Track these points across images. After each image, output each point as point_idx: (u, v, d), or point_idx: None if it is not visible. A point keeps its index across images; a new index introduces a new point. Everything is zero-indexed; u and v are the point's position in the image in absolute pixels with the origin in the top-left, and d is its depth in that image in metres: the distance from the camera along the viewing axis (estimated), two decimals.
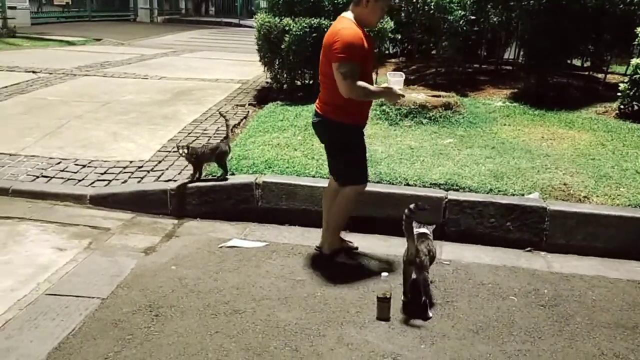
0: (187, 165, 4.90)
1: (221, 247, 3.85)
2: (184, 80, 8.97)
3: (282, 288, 3.32)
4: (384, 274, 3.00)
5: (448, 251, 3.92)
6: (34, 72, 9.08)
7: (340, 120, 3.39)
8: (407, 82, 7.72)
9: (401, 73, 3.48)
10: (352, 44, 3.16)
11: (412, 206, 3.06)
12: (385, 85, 3.50)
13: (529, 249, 4.00)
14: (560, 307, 3.22)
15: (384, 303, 2.99)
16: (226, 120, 4.86)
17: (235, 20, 25.05)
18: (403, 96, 3.43)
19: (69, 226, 4.11)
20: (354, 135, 3.47)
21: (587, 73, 8.26)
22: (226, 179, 4.50)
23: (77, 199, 4.52)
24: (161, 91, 7.98)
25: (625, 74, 8.63)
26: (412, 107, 6.10)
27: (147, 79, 9.02)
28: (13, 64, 9.60)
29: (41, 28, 17.95)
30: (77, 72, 9.36)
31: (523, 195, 4.24)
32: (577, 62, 8.73)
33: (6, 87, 7.82)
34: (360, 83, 3.22)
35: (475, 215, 4.07)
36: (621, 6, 7.10)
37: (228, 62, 11.53)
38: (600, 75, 8.24)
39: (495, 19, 8.14)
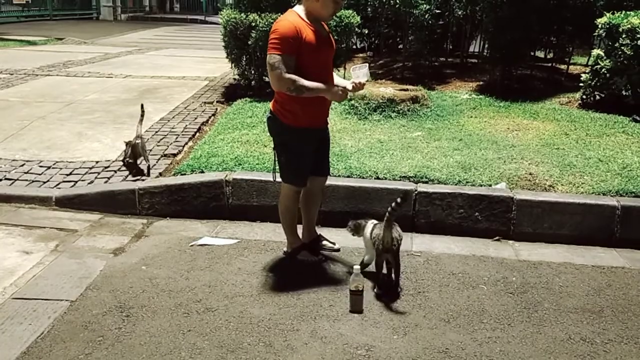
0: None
1: (192, 245, 3.82)
2: (150, 78, 8.85)
3: (254, 284, 3.31)
4: (356, 266, 3.02)
5: (418, 243, 3.96)
6: None
7: (280, 119, 3.32)
8: (375, 77, 7.77)
9: (365, 65, 3.33)
10: (283, 35, 3.08)
11: (399, 200, 3.14)
12: (352, 80, 3.34)
13: (497, 238, 4.06)
14: (529, 294, 3.29)
15: (356, 295, 3.01)
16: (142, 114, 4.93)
17: (201, 17, 24.85)
18: (345, 96, 3.24)
19: (34, 229, 4.02)
20: (292, 137, 3.35)
21: (550, 65, 8.43)
22: (139, 178, 4.62)
23: (43, 201, 4.42)
24: (126, 90, 7.86)
25: (586, 65, 8.84)
26: (381, 101, 6.13)
27: (111, 77, 8.87)
28: None
29: (0, 28, 17.50)
30: (39, 72, 9.16)
31: (490, 185, 4.31)
32: (540, 54, 8.89)
33: None
34: (290, 76, 3.07)
35: (445, 206, 4.12)
36: None
37: (194, 59, 11.42)
38: (562, 67, 8.42)
39: (459, 12, 8.24)
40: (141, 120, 4.87)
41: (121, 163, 4.94)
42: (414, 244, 3.94)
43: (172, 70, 9.59)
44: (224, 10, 7.50)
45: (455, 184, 4.32)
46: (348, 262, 3.59)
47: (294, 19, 3.18)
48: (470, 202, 4.11)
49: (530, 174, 4.53)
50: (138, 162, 4.78)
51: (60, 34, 16.07)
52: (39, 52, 12.01)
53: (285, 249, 3.72)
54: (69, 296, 3.14)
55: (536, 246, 3.97)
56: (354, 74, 3.26)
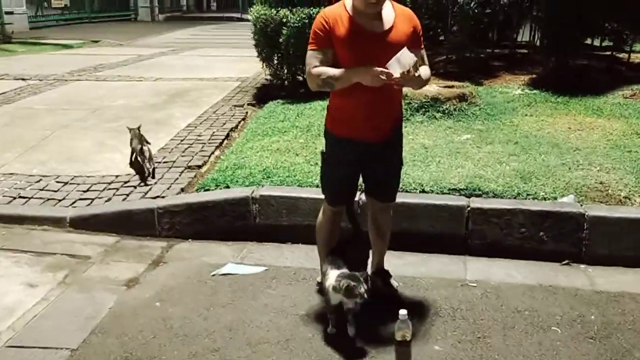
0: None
1: (214, 274, 3.38)
2: (181, 80, 8.50)
3: (282, 327, 2.84)
4: (402, 311, 2.50)
5: (473, 269, 3.42)
6: (23, 79, 8.64)
7: (325, 124, 2.95)
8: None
9: (403, 50, 2.54)
10: (313, 29, 2.72)
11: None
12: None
13: (566, 262, 3.48)
14: (613, 338, 2.71)
15: (403, 347, 2.50)
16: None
17: (237, 15, 24.67)
18: (383, 79, 2.52)
19: (44, 256, 3.64)
20: (331, 146, 2.92)
21: (609, 53, 7.66)
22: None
23: (56, 222, 4.06)
24: (155, 94, 7.51)
25: None
26: (424, 100, 5.57)
27: (141, 81, 8.56)
28: (3, 72, 9.17)
29: (40, 32, 17.62)
30: (69, 77, 8.92)
31: (556, 198, 3.73)
32: (595, 43, 8.12)
33: None
34: (317, 69, 2.66)
35: (503, 225, 3.56)
36: None
37: (228, 58, 11.08)
38: (621, 55, 7.66)
39: (506, 0, 7.55)
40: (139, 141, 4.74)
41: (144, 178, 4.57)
42: (468, 270, 3.41)
43: (204, 71, 9.23)
44: (254, 6, 7.07)
45: (514, 197, 3.76)
46: (392, 297, 3.07)
47: (333, 9, 2.74)
48: (533, 219, 3.54)
49: (601, 183, 3.93)
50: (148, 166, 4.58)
51: (97, 37, 16.01)
52: (72, 56, 11.85)
53: (318, 278, 3.23)
54: (71, 343, 2.73)
55: (613, 272, 3.37)
56: (389, 67, 2.55)
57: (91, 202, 4.24)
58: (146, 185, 4.41)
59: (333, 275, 2.66)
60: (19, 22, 17.56)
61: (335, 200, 3.02)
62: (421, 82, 2.74)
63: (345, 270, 2.68)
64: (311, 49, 2.72)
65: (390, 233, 3.17)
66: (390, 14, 2.74)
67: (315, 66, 2.68)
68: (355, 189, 3.09)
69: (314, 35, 2.72)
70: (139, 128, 4.83)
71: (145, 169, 4.52)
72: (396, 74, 2.53)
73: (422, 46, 2.84)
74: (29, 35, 16.14)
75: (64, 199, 4.32)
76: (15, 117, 6.46)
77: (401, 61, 2.52)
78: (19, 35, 15.26)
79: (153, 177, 4.51)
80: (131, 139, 4.77)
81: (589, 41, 7.66)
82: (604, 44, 7.89)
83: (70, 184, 4.56)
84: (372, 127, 2.78)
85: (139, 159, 4.60)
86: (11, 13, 17.32)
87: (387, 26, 2.71)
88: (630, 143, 4.65)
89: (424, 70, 2.76)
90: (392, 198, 3.08)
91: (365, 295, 2.56)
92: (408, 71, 2.53)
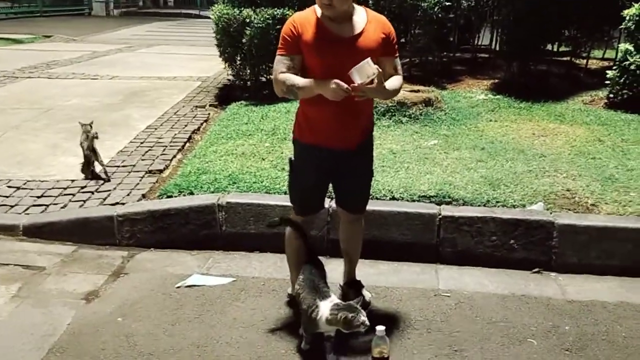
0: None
1: (179, 286, 3.23)
2: (138, 79, 8.25)
3: (253, 343, 2.72)
4: (380, 327, 2.42)
5: (446, 277, 3.37)
6: None
7: (293, 131, 2.85)
8: None
9: (365, 60, 2.40)
10: (281, 34, 2.66)
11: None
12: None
13: (537, 270, 3.48)
14: (588, 350, 2.69)
15: None
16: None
17: (195, 12, 24.25)
18: (342, 94, 2.44)
19: None
20: (299, 153, 2.82)
21: (567, 59, 7.81)
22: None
23: (9, 230, 3.83)
24: (112, 93, 7.25)
25: (602, 58, 8.26)
26: (390, 104, 5.53)
27: (97, 79, 8.28)
28: None
29: None
30: (20, 74, 8.55)
31: (525, 206, 3.73)
32: (552, 48, 8.27)
33: None
34: (283, 76, 2.59)
35: (474, 233, 3.53)
36: None
37: (187, 57, 10.82)
38: (578, 61, 7.81)
39: (466, 4, 7.59)
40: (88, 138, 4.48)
41: (100, 182, 4.35)
42: (440, 278, 3.36)
43: (162, 70, 8.99)
44: (216, 5, 6.90)
45: (484, 205, 3.74)
46: (366, 309, 2.99)
47: (303, 14, 2.66)
48: (504, 227, 3.52)
49: (568, 190, 3.95)
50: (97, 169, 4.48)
51: (49, 31, 15.46)
52: (23, 52, 11.39)
53: (289, 290, 3.13)
54: None
55: (583, 280, 3.37)
56: (351, 75, 2.44)
57: (46, 209, 4.01)
58: (89, 179, 4.38)
59: (325, 308, 2.47)
60: None
61: (304, 210, 2.93)
62: (387, 93, 2.64)
63: (337, 301, 2.54)
64: (279, 54, 2.65)
65: (362, 242, 3.10)
66: (362, 19, 2.67)
67: (282, 72, 2.61)
68: (324, 198, 3.00)
69: (283, 41, 2.64)
70: (90, 124, 4.56)
71: (102, 170, 4.41)
72: (357, 82, 2.42)
73: (396, 55, 2.77)
74: None
75: (16, 205, 4.09)
76: None
77: (361, 71, 2.41)
78: None
79: (108, 181, 4.31)
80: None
81: (548, 47, 7.80)
82: (560, 49, 8.06)
83: (23, 189, 4.32)
84: (339, 137, 2.70)
85: (90, 158, 4.42)
86: None
87: (356, 31, 2.63)
88: (593, 150, 4.71)
89: (396, 80, 2.68)
90: (362, 209, 3.01)
91: (367, 323, 2.41)
92: (371, 82, 2.43)
